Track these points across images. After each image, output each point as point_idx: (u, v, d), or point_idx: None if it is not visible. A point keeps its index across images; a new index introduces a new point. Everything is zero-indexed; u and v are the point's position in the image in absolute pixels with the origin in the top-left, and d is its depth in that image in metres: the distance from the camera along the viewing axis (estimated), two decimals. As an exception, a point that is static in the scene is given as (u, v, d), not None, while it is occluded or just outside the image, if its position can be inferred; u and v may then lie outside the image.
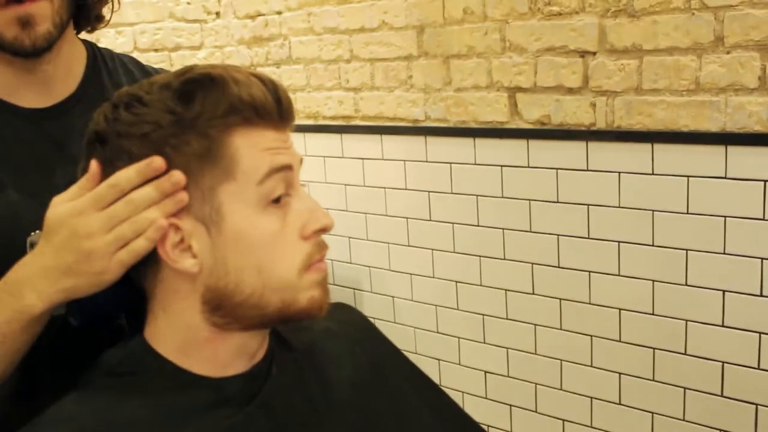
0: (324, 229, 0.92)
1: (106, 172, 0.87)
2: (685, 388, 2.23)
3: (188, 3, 3.16)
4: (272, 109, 0.89)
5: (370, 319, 1.20)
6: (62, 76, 1.18)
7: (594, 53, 2.20)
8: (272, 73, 3.04)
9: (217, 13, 3.10)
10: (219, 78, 0.86)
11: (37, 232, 0.94)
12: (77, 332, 0.98)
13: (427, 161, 2.65)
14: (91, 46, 1.27)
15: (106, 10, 1.27)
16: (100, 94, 1.17)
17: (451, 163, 2.59)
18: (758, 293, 2.06)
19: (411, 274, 2.80)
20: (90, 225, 0.85)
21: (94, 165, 0.87)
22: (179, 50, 3.25)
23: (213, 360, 0.91)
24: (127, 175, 0.85)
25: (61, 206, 0.88)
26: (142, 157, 0.85)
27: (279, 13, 2.94)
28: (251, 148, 0.87)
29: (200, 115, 0.85)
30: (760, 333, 2.08)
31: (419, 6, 2.54)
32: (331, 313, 0.96)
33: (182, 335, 0.90)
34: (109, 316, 1.04)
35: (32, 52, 1.09)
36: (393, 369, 1.12)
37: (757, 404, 2.12)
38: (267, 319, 0.91)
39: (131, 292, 0.93)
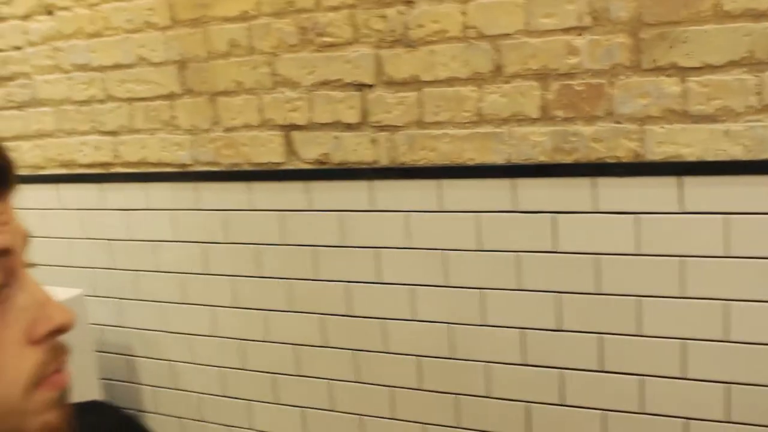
0: (61, 330, 0.66)
1: None
2: (490, 434, 2.13)
3: None
4: None
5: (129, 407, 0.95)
6: None
7: (371, 86, 2.05)
8: (16, 117, 2.67)
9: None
10: None
11: None
12: None
13: (198, 209, 2.40)
14: None
15: None
16: None
17: (225, 210, 2.35)
18: (555, 328, 1.98)
19: (190, 334, 2.53)
20: None
21: None
22: None
23: None
24: None
25: None
26: None
27: (18, 48, 2.59)
28: None
29: None
30: (560, 368, 2.01)
31: (179, 39, 2.29)
32: (80, 417, 0.70)
33: None
34: None
35: None
36: None
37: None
38: None
39: None
